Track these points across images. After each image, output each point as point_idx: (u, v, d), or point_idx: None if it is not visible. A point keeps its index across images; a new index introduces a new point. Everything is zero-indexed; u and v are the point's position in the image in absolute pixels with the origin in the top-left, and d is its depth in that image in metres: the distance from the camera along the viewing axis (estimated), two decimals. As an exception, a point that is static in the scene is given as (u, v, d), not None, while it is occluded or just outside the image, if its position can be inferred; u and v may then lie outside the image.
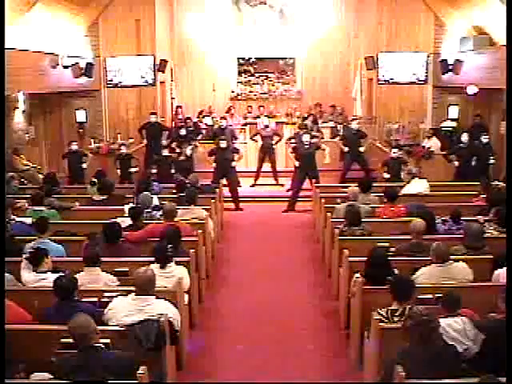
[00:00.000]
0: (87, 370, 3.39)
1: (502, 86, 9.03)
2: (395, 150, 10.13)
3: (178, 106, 14.94)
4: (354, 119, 11.92)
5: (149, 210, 7.04)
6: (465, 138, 10.40)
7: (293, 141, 11.17)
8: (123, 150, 10.82)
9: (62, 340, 3.86)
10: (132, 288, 4.49)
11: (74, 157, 10.65)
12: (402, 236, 6.02)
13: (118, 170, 10.63)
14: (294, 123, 14.37)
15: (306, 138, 10.35)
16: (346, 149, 11.27)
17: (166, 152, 10.71)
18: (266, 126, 12.15)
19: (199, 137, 13.36)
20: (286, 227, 9.61)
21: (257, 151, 12.16)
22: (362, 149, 11.23)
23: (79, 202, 7.96)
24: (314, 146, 10.46)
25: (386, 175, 9.89)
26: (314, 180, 9.96)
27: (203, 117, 14.59)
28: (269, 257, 8.12)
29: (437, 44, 13.08)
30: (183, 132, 12.08)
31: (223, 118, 12.98)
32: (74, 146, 10.66)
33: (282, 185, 11.74)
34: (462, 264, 4.99)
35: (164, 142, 11.76)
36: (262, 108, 15.07)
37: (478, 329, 3.80)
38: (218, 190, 9.27)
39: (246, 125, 14.32)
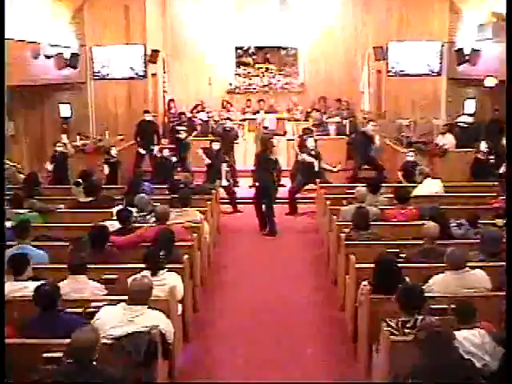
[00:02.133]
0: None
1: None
2: (411, 153, 10.12)
3: (170, 100, 14.92)
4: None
5: (144, 214, 7.04)
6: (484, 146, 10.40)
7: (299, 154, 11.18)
8: (114, 151, 10.78)
9: (45, 354, 3.85)
10: (120, 297, 4.48)
11: (60, 160, 10.47)
12: (414, 241, 6.03)
13: (106, 169, 10.56)
14: (296, 119, 14.37)
15: (310, 142, 10.34)
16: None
17: (166, 152, 10.76)
18: (265, 128, 12.18)
19: (194, 133, 13.35)
20: (288, 230, 9.61)
21: (256, 147, 12.17)
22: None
23: (64, 203, 7.95)
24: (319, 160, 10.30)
25: (404, 181, 9.84)
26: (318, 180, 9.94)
27: (197, 112, 14.57)
28: (269, 263, 8.13)
29: (452, 32, 13.04)
30: (182, 135, 11.94)
31: (228, 118, 12.93)
32: (60, 148, 10.54)
33: (283, 185, 11.73)
34: (480, 271, 4.98)
35: (156, 148, 11.66)
36: (261, 102, 15.08)
37: (496, 342, 3.79)
38: (214, 190, 9.27)
39: (244, 120, 14.32)
